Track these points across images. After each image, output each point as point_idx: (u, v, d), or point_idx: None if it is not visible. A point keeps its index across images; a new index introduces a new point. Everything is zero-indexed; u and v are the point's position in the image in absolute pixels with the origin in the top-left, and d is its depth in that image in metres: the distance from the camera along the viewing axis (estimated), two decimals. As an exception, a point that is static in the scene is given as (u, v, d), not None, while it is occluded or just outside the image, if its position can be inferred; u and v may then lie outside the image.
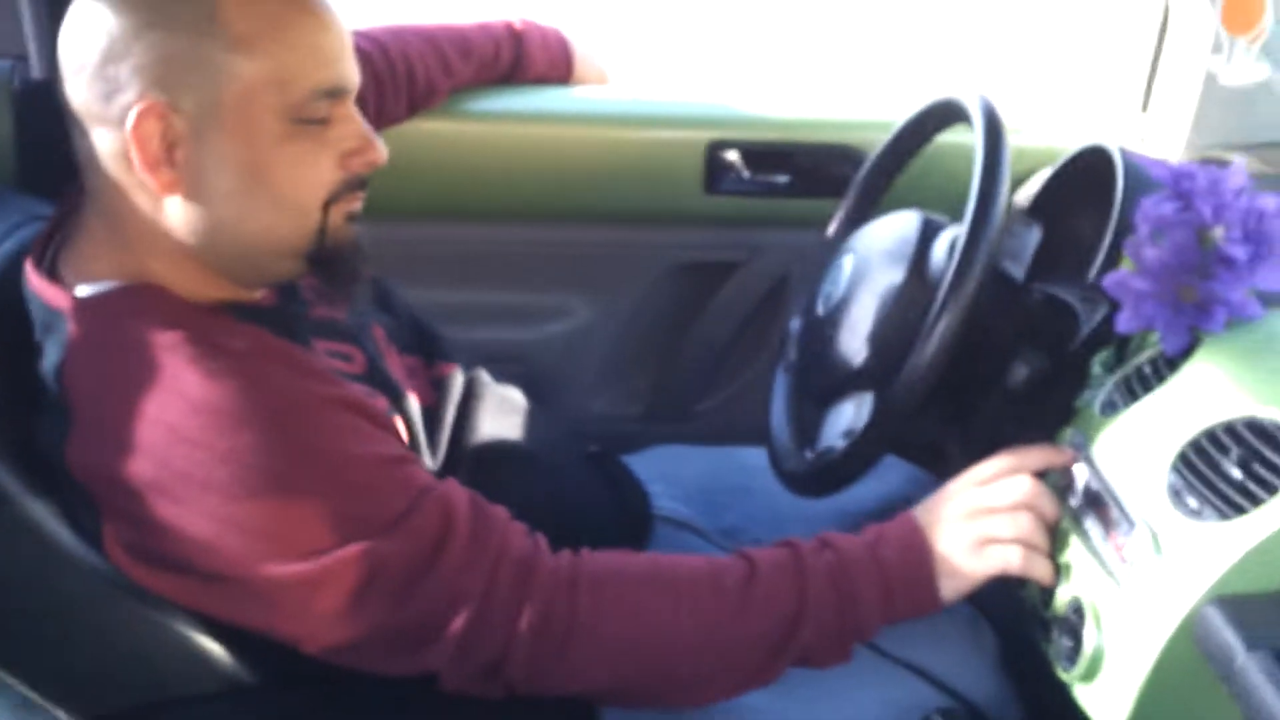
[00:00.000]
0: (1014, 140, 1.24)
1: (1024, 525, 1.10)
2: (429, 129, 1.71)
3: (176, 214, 1.08)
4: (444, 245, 1.81)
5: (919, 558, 1.11)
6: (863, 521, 1.37)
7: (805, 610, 1.09)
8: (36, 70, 1.59)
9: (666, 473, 1.54)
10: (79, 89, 1.06)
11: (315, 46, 1.08)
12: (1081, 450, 1.11)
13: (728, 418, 1.93)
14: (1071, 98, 1.94)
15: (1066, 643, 1.06)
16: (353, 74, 1.12)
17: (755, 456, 1.53)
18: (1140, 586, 0.99)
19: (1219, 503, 0.96)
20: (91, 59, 1.05)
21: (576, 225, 1.83)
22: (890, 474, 1.52)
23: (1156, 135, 1.65)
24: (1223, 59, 1.52)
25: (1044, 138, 1.79)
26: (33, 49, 1.58)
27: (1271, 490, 0.93)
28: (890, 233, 1.34)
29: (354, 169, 1.12)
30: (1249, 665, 0.88)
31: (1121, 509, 1.02)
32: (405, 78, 1.63)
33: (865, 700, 1.27)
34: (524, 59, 1.75)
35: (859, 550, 1.12)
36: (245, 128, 1.06)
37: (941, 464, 1.58)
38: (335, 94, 1.09)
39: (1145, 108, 1.68)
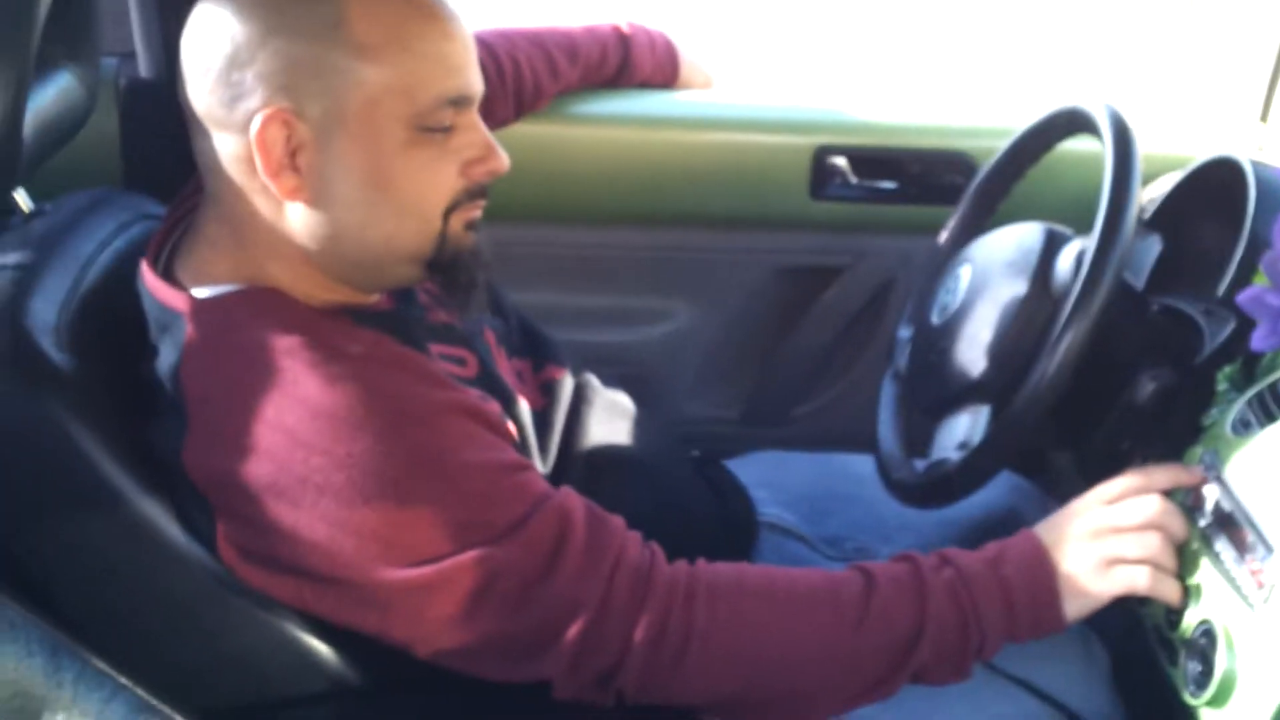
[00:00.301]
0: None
1: (1152, 545, 1.07)
2: (536, 132, 1.71)
3: (299, 219, 1.08)
4: (547, 248, 1.81)
5: (1043, 576, 1.09)
6: (970, 531, 1.35)
7: (925, 627, 1.07)
8: (143, 69, 1.60)
9: (769, 478, 1.53)
10: (201, 93, 1.07)
11: (441, 54, 1.08)
12: (1213, 470, 1.08)
13: (825, 423, 1.92)
14: (1185, 105, 1.91)
15: (1195, 667, 1.03)
16: (477, 82, 1.11)
17: (858, 464, 1.52)
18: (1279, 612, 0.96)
19: (1365, 531, 0.93)
20: (215, 64, 1.05)
21: (681, 229, 1.82)
22: (995, 483, 1.49)
23: (1278, 144, 1.61)
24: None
25: (1159, 145, 1.75)
26: (141, 47, 1.60)
27: None
28: (1011, 243, 1.31)
29: (476, 177, 1.12)
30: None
31: (1259, 532, 1.00)
32: (513, 80, 1.63)
33: (975, 715, 1.25)
34: (631, 63, 1.75)
35: (980, 567, 1.10)
36: (370, 135, 1.06)
37: (1048, 474, 1.56)
38: (460, 102, 1.09)
39: (1265, 117, 1.64)
